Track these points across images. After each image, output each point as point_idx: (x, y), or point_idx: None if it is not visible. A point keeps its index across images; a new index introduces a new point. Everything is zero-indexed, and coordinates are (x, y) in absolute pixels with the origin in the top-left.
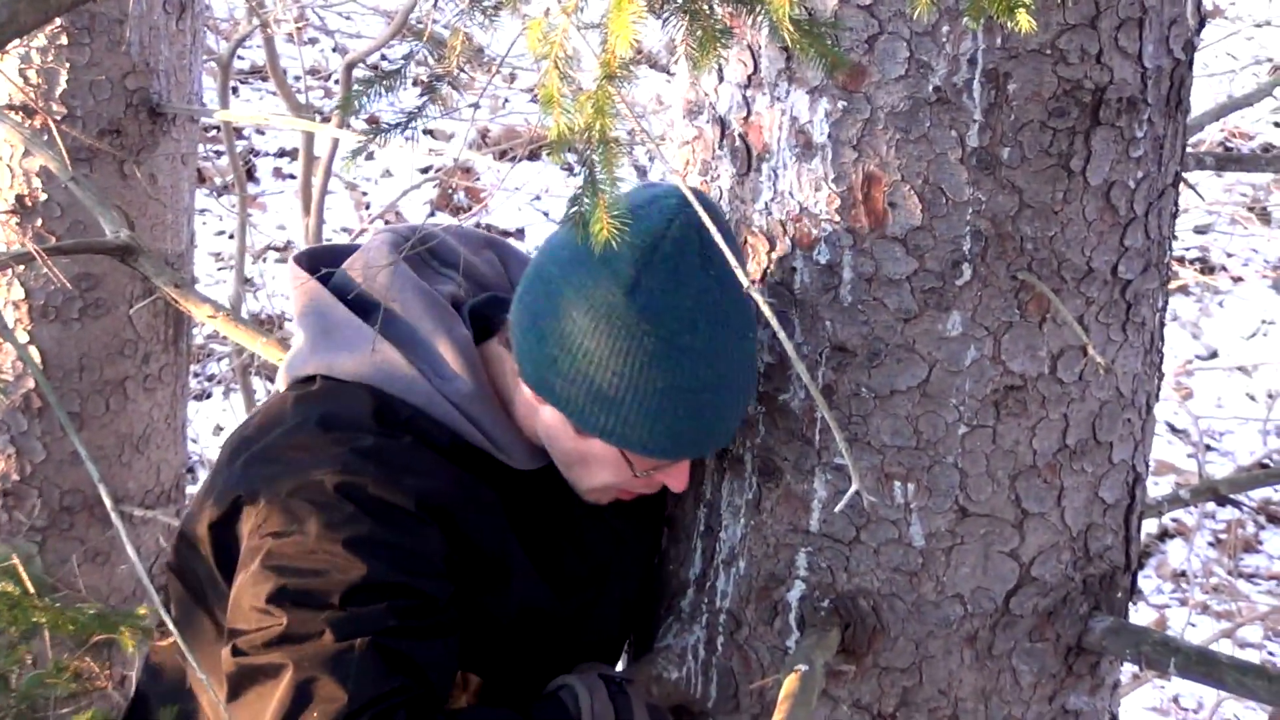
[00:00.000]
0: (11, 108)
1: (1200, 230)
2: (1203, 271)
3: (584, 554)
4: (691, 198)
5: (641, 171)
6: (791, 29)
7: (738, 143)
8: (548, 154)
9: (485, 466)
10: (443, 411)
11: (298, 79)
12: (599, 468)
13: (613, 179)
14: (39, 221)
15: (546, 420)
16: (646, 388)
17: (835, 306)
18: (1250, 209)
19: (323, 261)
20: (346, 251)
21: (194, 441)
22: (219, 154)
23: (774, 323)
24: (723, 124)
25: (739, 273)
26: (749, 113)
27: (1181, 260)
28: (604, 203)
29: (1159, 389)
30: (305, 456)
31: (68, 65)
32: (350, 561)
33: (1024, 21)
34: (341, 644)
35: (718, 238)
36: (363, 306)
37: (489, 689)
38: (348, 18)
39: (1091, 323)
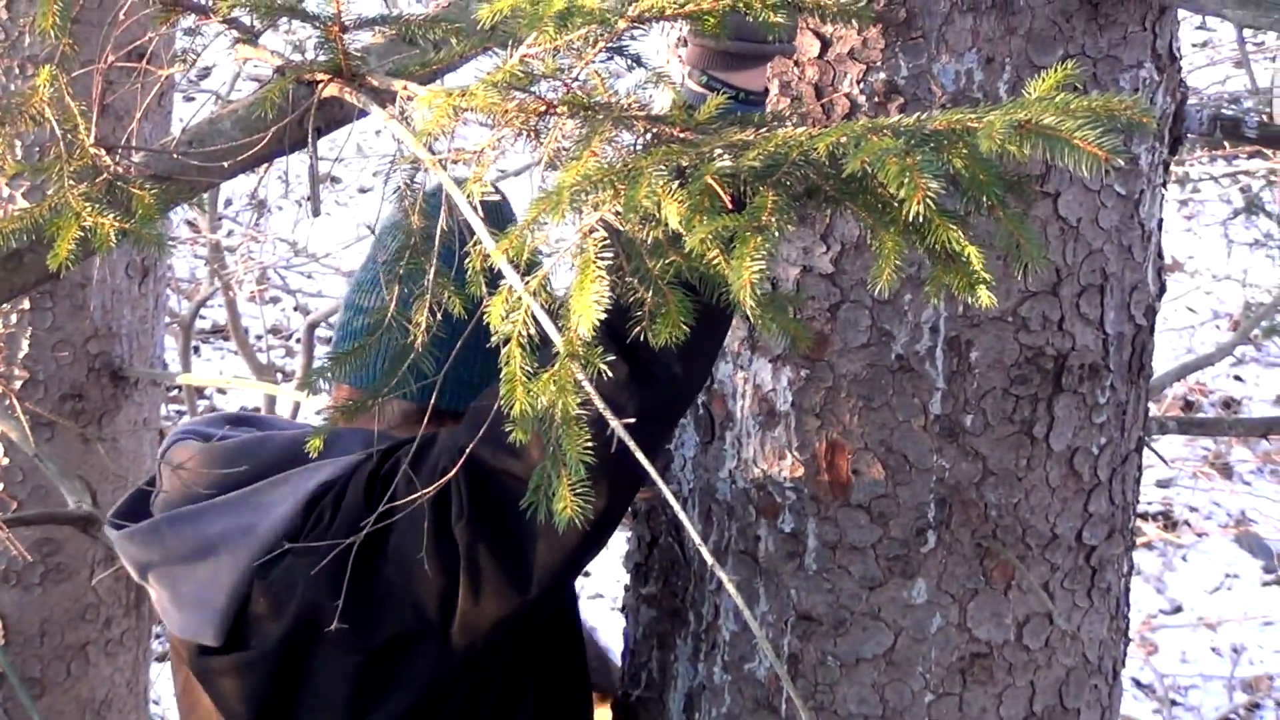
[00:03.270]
0: None
1: (1162, 484)
2: (1165, 527)
3: None
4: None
5: None
6: (753, 304)
7: (701, 411)
8: (509, 430)
9: None
10: None
11: (259, 338)
12: None
13: (577, 457)
14: (1, 487)
15: None
16: None
17: (800, 574)
18: (1211, 464)
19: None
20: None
21: (156, 704)
22: (181, 414)
23: (736, 597)
24: None
25: None
26: (712, 381)
27: (1144, 516)
28: (567, 480)
29: (1125, 654)
30: None
31: (30, 329)
32: None
33: (985, 298)
34: None
35: None
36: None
37: None
38: (309, 276)
39: (1056, 589)
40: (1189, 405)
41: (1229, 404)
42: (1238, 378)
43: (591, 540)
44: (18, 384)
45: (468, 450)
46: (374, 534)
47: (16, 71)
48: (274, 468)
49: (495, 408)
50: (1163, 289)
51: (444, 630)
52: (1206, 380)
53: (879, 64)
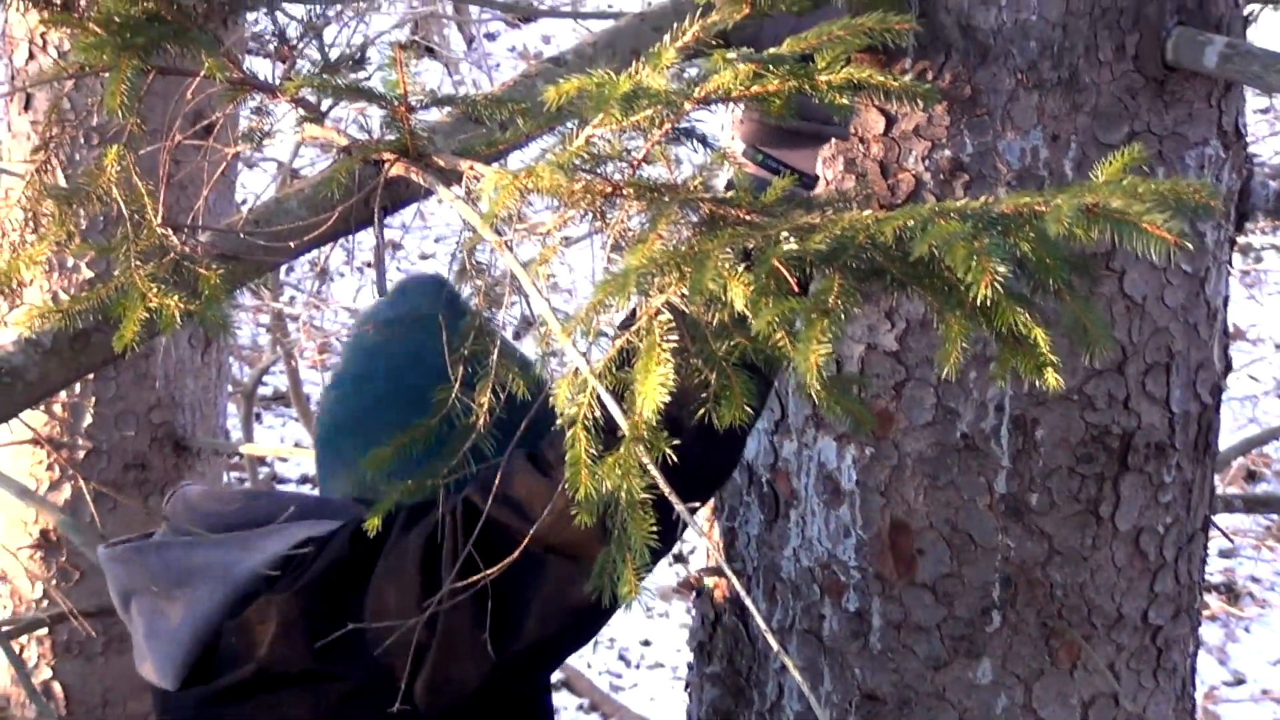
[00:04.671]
0: (37, 441)
1: (1224, 554)
2: (1228, 599)
3: None
4: None
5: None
6: (818, 386)
7: (765, 489)
8: (574, 514)
9: None
10: None
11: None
12: None
13: (642, 541)
14: (63, 556)
15: None
16: None
17: (864, 654)
18: (1275, 536)
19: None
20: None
21: None
22: (242, 481)
23: (798, 677)
24: (750, 470)
25: None
26: (776, 459)
27: (1207, 587)
28: (632, 564)
29: None
30: None
31: (94, 399)
32: None
33: (1052, 381)
34: None
35: None
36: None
37: None
38: None
39: (1122, 670)
40: (1251, 476)
41: None
42: None
43: (589, 618)
44: (81, 454)
45: (473, 498)
46: (354, 580)
47: (81, 141)
48: (276, 519)
49: (507, 470)
50: (1228, 367)
51: (409, 688)
52: (1269, 450)
53: (944, 141)
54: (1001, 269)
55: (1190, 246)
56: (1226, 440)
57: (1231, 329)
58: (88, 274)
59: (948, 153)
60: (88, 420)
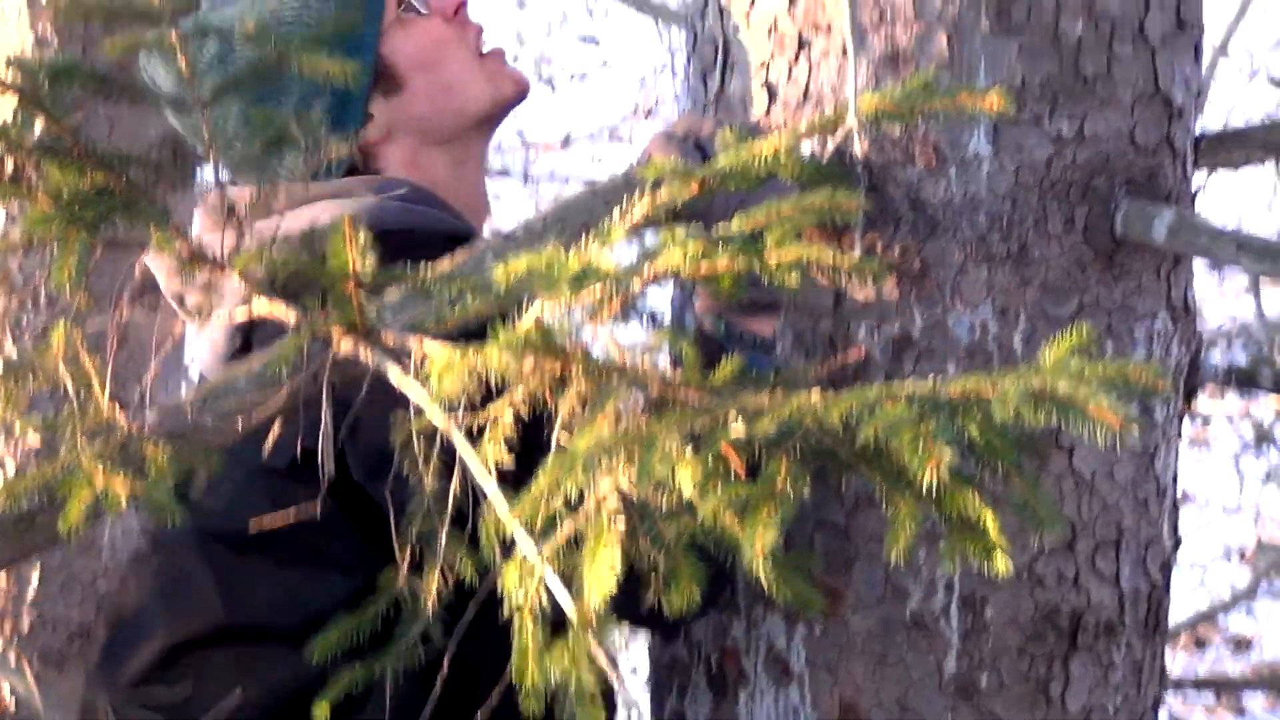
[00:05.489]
0: None
1: None
2: None
3: None
4: None
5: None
6: (767, 569)
7: (714, 669)
8: (523, 706)
9: None
10: (428, 220)
11: None
12: (442, 50)
13: None
14: None
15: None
16: None
17: None
18: (1225, 706)
19: None
20: None
21: None
22: None
23: None
24: (698, 649)
25: None
26: (725, 639)
27: None
28: None
29: None
30: None
31: (39, 568)
32: None
33: (1002, 566)
34: None
35: None
36: None
37: None
38: None
39: None
40: (1200, 643)
41: (1240, 643)
42: (1249, 613)
43: None
44: (25, 624)
45: None
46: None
47: (29, 304)
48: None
49: None
50: (1178, 543)
51: None
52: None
53: (893, 315)
54: (948, 454)
55: (1136, 431)
56: (1176, 605)
57: (1180, 494)
58: (34, 440)
59: (897, 327)
60: (32, 589)
